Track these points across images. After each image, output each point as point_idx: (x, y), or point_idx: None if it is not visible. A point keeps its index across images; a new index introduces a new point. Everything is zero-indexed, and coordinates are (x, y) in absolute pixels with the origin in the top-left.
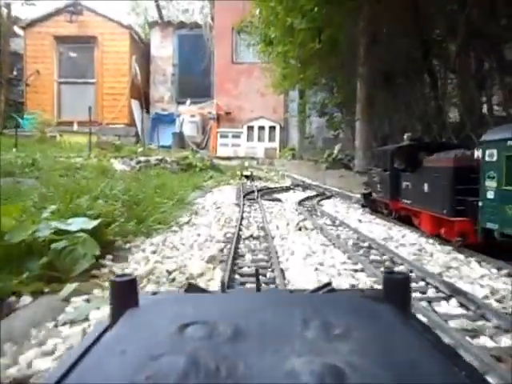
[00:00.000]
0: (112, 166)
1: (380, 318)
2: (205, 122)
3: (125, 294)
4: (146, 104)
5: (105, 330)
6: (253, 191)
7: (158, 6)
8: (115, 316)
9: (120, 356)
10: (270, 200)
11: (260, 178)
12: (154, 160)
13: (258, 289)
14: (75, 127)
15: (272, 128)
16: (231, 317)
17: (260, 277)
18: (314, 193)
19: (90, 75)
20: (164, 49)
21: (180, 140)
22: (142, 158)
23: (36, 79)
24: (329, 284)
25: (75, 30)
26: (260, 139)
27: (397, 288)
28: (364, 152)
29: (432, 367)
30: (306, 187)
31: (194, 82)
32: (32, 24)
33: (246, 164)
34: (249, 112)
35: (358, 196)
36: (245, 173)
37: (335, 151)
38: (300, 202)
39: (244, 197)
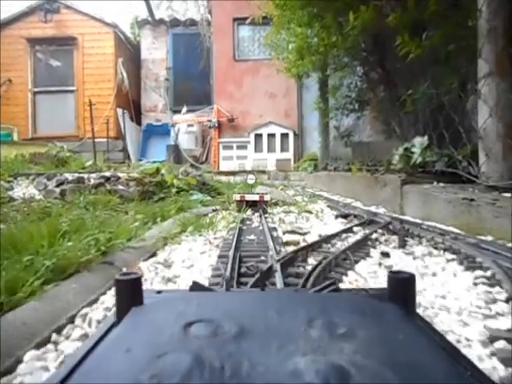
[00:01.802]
0: (6, 192)
1: (384, 317)
2: (204, 132)
3: (130, 292)
4: (136, 114)
5: (110, 328)
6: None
7: (147, 2)
8: (120, 314)
9: (125, 354)
10: None
11: (276, 204)
12: (96, 178)
13: (263, 288)
14: (15, 137)
15: (284, 135)
16: (236, 315)
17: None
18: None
19: (70, 82)
20: (156, 50)
21: (175, 154)
22: (70, 177)
23: (8, 89)
24: (333, 283)
25: (52, 31)
26: (270, 149)
27: (401, 287)
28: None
29: (437, 367)
30: (399, 234)
31: (192, 87)
32: (2, 26)
33: (251, 181)
34: (256, 117)
35: None
36: (249, 197)
37: (416, 149)
38: None
39: None
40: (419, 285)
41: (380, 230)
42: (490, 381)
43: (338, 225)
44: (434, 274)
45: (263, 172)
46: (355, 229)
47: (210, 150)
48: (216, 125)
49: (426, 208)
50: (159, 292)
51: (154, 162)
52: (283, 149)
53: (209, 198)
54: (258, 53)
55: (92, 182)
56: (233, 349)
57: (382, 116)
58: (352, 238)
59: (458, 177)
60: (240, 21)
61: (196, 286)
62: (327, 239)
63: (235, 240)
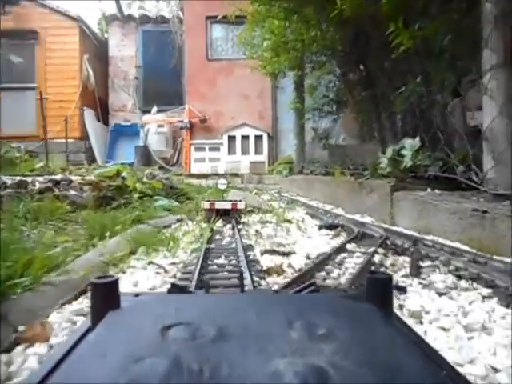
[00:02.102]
0: None
1: (363, 318)
2: (175, 133)
3: (106, 296)
4: (103, 113)
5: (86, 332)
6: None
7: None
8: (96, 318)
9: (102, 359)
10: None
11: (251, 212)
12: (43, 182)
13: (242, 290)
14: None
15: (258, 137)
16: (214, 318)
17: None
18: None
19: (30, 78)
20: (125, 48)
21: (144, 155)
22: (9, 181)
23: None
24: (312, 284)
25: (11, 24)
26: (244, 151)
27: (379, 288)
28: None
29: (413, 367)
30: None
31: (162, 87)
32: None
33: (223, 186)
34: (229, 119)
35: None
36: (220, 205)
37: (406, 152)
38: None
39: None
40: (482, 361)
41: (381, 250)
42: (465, 381)
43: (324, 238)
44: (484, 328)
45: (236, 175)
46: (348, 246)
47: (181, 151)
48: (187, 126)
49: (423, 219)
50: (137, 295)
51: (122, 163)
52: (257, 151)
53: (176, 203)
54: (232, 52)
55: (37, 186)
56: (211, 351)
57: (363, 117)
58: (350, 262)
59: (455, 183)
60: (213, 19)
61: (174, 289)
62: (319, 265)
63: (199, 267)
